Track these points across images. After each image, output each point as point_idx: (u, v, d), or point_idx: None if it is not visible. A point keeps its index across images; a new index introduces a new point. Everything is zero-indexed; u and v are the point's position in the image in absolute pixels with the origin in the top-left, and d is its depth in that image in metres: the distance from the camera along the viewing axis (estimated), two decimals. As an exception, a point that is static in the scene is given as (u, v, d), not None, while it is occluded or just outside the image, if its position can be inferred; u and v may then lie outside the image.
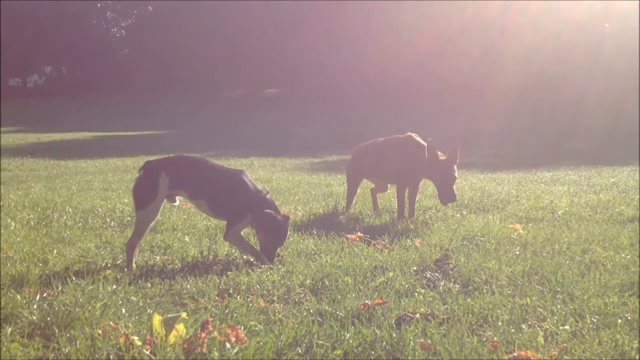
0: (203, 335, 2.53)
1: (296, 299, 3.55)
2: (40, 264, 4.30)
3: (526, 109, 28.69)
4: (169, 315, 2.68)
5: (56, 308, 2.97)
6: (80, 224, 6.00)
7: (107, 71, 54.33)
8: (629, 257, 4.38)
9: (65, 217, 6.27)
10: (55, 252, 4.69)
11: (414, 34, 40.12)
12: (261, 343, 2.64)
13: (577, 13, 34.66)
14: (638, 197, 7.44)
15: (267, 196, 4.61)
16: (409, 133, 6.40)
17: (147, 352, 2.38)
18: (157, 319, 2.65)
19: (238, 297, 3.57)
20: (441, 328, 2.95)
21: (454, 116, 26.86)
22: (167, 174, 4.49)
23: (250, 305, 3.38)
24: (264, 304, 3.42)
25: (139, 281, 3.88)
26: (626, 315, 3.13)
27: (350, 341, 2.72)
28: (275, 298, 3.56)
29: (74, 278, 3.77)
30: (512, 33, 35.81)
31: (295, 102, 40.00)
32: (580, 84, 30.15)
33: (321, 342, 2.72)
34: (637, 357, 2.57)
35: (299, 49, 44.69)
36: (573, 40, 33.74)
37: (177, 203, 4.83)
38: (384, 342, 2.71)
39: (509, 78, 32.56)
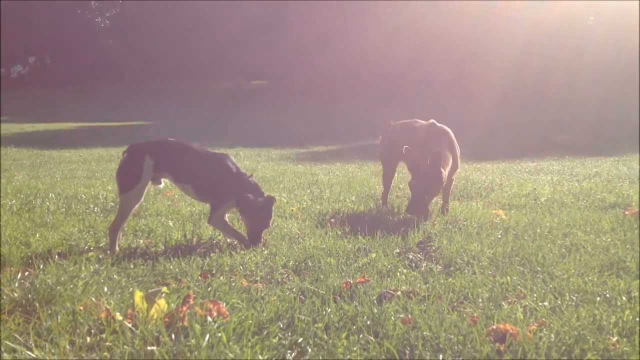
0: (184, 309, 2.53)
1: (279, 279, 3.56)
2: (22, 247, 4.27)
3: (512, 102, 28.83)
4: (150, 291, 2.67)
5: (37, 286, 2.96)
6: (63, 209, 5.96)
7: (92, 62, 53.83)
8: (609, 240, 4.42)
9: (48, 203, 6.23)
10: (37, 235, 4.66)
11: (402, 28, 40.00)
12: (243, 317, 2.64)
13: (562, 6, 34.84)
14: (620, 185, 7.52)
15: (251, 179, 4.61)
16: (432, 120, 5.97)
17: (129, 325, 2.38)
18: (138, 295, 2.64)
19: (221, 277, 3.57)
20: (422, 305, 2.97)
21: (442, 109, 26.91)
22: (151, 157, 4.48)
23: (233, 284, 3.38)
24: (246, 284, 3.43)
25: (122, 262, 3.87)
26: (605, 293, 3.17)
27: (332, 316, 2.74)
28: (258, 278, 3.56)
29: (56, 258, 3.76)
30: (499, 27, 35.92)
31: (282, 94, 39.92)
32: (566, 78, 30.34)
33: (303, 317, 2.73)
34: (614, 330, 2.60)
35: (287, 41, 44.58)
36: (559, 34, 33.94)
37: (162, 185, 4.82)
38: (365, 317, 2.72)
39: (496, 72, 32.69)
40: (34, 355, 2.25)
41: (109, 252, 4.21)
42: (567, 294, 3.16)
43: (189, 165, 4.60)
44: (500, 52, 34.19)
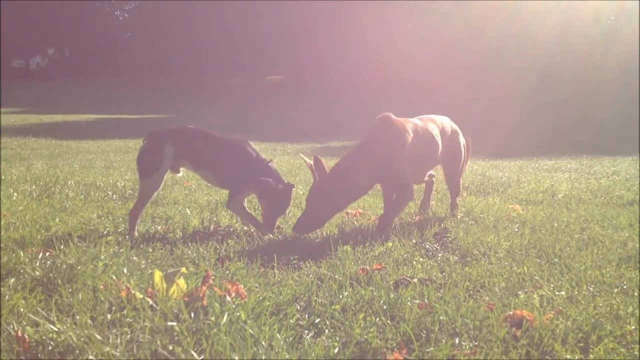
0: (204, 288, 2.56)
1: (296, 265, 3.58)
2: (43, 230, 4.33)
3: (534, 103, 28.61)
4: (169, 271, 2.71)
5: (59, 265, 3.00)
6: (82, 196, 6.03)
7: (110, 54, 54.20)
8: (627, 235, 4.40)
9: (67, 190, 6.30)
10: (57, 219, 4.72)
11: (428, 28, 39.72)
12: (260, 298, 2.67)
13: (585, 6, 34.58)
14: (638, 182, 7.47)
15: (270, 164, 4.63)
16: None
17: (150, 301, 2.42)
18: (158, 274, 2.68)
19: (238, 262, 3.60)
20: (438, 292, 2.98)
21: (465, 110, 26.77)
22: (171, 144, 4.51)
23: (250, 269, 3.41)
24: (263, 269, 3.46)
25: (141, 246, 3.91)
26: (623, 284, 3.16)
27: (348, 299, 2.76)
28: (275, 264, 3.59)
29: (76, 240, 3.81)
30: (522, 29, 35.66)
31: (299, 90, 39.92)
32: (587, 78, 30.07)
33: (320, 299, 2.75)
34: (631, 320, 2.59)
35: (306, 36, 44.58)
36: (580, 34, 33.65)
37: (180, 174, 4.83)
38: (382, 301, 2.74)
39: (516, 72, 32.43)
40: (56, 329, 2.29)
41: (127, 236, 4.25)
42: (584, 284, 3.16)
43: (208, 151, 4.61)
44: (523, 55, 33.91)
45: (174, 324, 2.27)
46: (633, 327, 2.51)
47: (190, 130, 4.76)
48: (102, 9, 60.89)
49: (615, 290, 3.07)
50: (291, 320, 2.50)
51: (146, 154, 4.55)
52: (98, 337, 2.19)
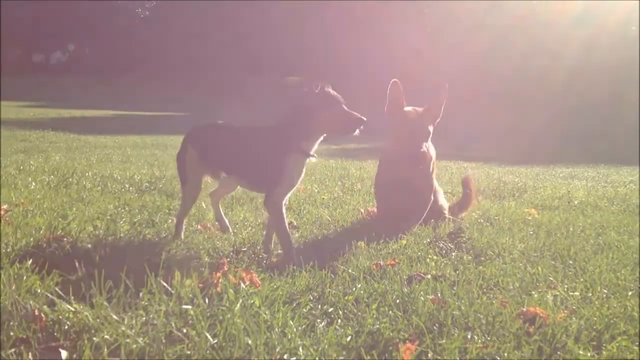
0: (218, 275, 2.59)
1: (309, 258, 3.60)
2: (60, 219, 4.37)
3: (556, 110, 28.43)
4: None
5: (77, 247, 3.04)
6: (99, 187, 6.08)
7: (130, 51, 54.61)
8: (643, 241, 4.38)
9: (84, 181, 6.36)
10: (74, 209, 4.77)
11: (452, 33, 39.38)
12: (274, 287, 2.69)
13: (613, 16, 34.36)
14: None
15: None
16: None
17: (165, 285, 2.44)
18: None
19: (252, 254, 3.63)
20: (452, 289, 2.98)
21: (492, 117, 26.63)
22: (193, 146, 3.88)
23: (264, 262, 3.44)
24: (276, 261, 3.48)
25: (156, 236, 3.94)
26: (637, 287, 3.15)
27: (362, 291, 2.77)
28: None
29: (92, 229, 3.85)
30: (541, 39, 35.45)
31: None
32: (611, 87, 29.84)
33: (333, 290, 2.77)
34: (645, 321, 2.58)
35: (325, 37, 44.66)
36: (602, 45, 33.41)
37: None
38: (395, 295, 2.75)
39: (540, 81, 32.20)
40: (73, 309, 2.32)
41: (173, 237, 3.94)
42: (598, 286, 3.14)
43: (232, 150, 3.79)
44: (546, 63, 33.66)
45: (189, 307, 2.30)
46: (647, 328, 2.50)
47: (215, 127, 3.95)
48: (124, 7, 61.36)
49: (630, 292, 3.05)
50: (304, 310, 2.51)
51: (177, 158, 4.06)
52: (115, 317, 2.21)
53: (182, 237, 3.94)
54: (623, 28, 36.12)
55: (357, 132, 3.49)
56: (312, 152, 3.56)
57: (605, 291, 3.09)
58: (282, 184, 3.54)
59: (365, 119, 3.48)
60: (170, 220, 4.60)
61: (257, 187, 3.84)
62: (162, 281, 2.46)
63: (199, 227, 4.37)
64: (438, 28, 41.03)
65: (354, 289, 2.81)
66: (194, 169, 3.88)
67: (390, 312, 2.56)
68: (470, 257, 3.79)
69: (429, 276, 3.13)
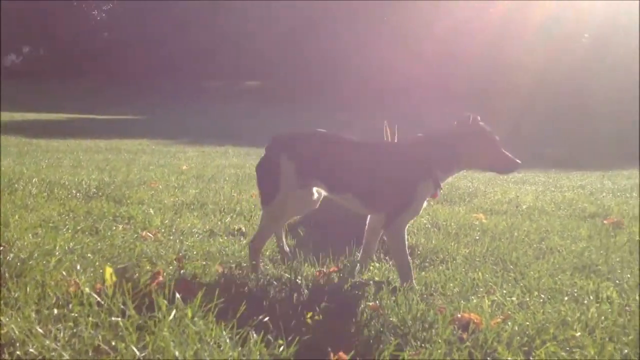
0: (153, 284, 2.55)
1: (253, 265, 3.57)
2: (2, 227, 4.26)
3: (515, 116, 28.81)
4: (119, 266, 2.69)
5: (10, 259, 2.96)
6: (45, 194, 5.96)
7: (86, 54, 53.73)
8: (584, 246, 4.47)
9: (31, 187, 6.22)
10: (17, 216, 4.65)
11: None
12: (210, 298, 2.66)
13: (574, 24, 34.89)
14: (602, 196, 7.59)
15: None
16: None
17: (95, 297, 2.39)
18: (108, 270, 2.66)
19: (196, 262, 3.59)
20: (393, 296, 2.99)
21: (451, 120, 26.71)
22: (290, 157, 3.36)
23: (207, 269, 3.40)
24: (221, 270, 3.44)
25: (98, 244, 3.87)
26: (574, 292, 3.21)
27: (302, 298, 2.76)
28: (233, 265, 3.58)
29: (31, 237, 3.76)
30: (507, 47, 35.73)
31: (274, 95, 39.92)
32: (583, 89, 30.34)
33: (272, 299, 2.75)
34: (577, 326, 2.63)
35: (284, 42, 44.59)
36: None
37: (316, 196, 3.51)
38: (334, 304, 2.75)
39: (504, 89, 32.44)
40: (-1, 321, 2.26)
41: (250, 270, 3.45)
42: (536, 291, 3.20)
43: (358, 167, 3.38)
44: (512, 71, 33.92)
45: (118, 319, 2.25)
46: (579, 334, 2.54)
47: (318, 136, 3.50)
48: (80, 9, 60.34)
49: (566, 297, 3.11)
50: (239, 319, 2.49)
51: (263, 170, 3.48)
52: (40, 330, 2.16)
53: (261, 268, 3.47)
54: (577, 37, 36.85)
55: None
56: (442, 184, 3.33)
57: (543, 296, 3.15)
58: (409, 210, 3.29)
59: (520, 163, 3.28)
60: (114, 228, 4.53)
61: (376, 209, 3.42)
62: (93, 293, 2.41)
63: (144, 234, 4.31)
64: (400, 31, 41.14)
65: (294, 296, 2.81)
66: (289, 183, 3.34)
67: (327, 320, 2.56)
68: (415, 263, 3.81)
69: (371, 283, 3.14)
